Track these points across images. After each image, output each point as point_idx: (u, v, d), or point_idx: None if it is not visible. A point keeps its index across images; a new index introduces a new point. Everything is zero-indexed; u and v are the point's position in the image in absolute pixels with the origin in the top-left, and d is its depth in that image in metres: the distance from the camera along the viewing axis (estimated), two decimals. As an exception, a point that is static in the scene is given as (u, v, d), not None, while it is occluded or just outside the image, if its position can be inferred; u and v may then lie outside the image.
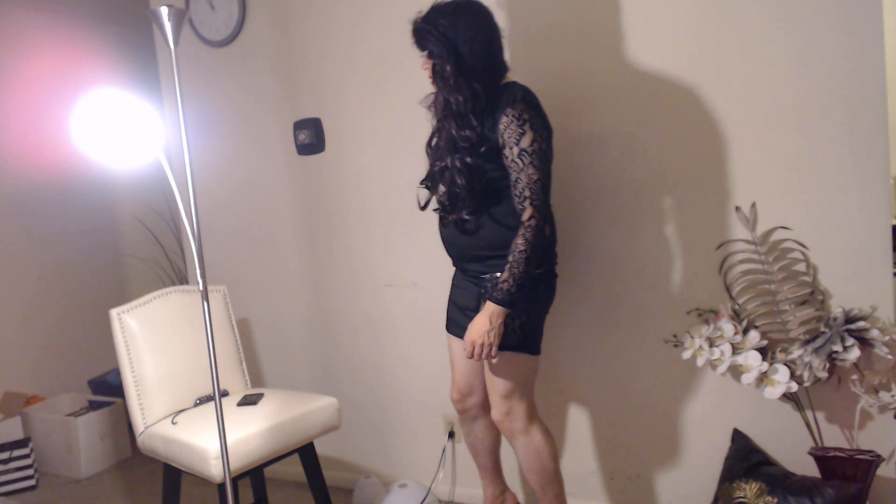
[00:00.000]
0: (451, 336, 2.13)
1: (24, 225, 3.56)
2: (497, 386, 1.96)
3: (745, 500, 1.90)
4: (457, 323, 2.07)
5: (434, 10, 1.85)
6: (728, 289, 2.05)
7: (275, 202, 2.89)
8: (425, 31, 1.83)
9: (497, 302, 1.83)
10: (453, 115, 1.85)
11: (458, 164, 1.86)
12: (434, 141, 1.98)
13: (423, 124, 2.10)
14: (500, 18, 2.30)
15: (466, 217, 1.90)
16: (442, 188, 1.94)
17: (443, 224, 2.02)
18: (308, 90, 2.73)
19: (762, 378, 1.91)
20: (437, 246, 2.09)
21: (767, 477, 1.92)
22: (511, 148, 1.80)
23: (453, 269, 2.11)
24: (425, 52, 1.87)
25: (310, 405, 2.22)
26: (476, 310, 1.91)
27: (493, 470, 2.27)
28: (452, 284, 2.12)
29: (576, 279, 2.33)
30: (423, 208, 2.05)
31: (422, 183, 2.05)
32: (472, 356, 1.86)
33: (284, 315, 2.95)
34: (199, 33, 2.89)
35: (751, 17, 1.99)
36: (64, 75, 3.61)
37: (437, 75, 1.85)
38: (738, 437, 2.08)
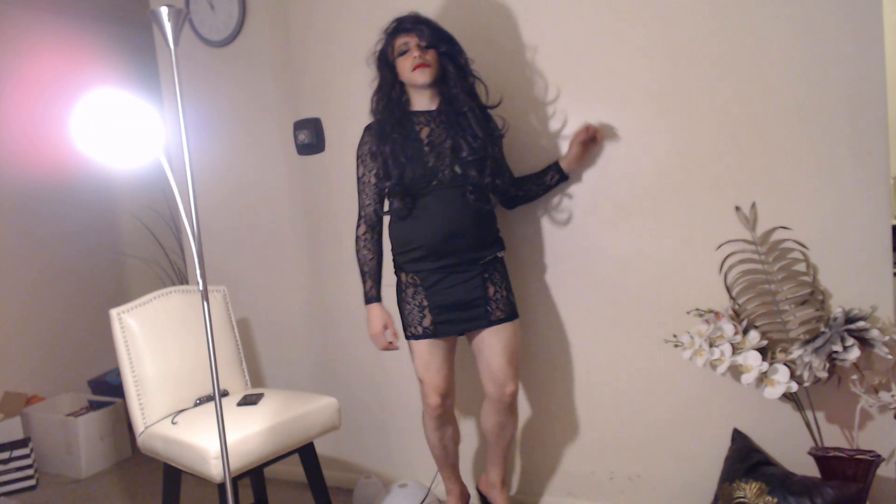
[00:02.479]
0: (435, 342, 2.10)
1: (23, 225, 3.56)
2: (512, 359, 2.10)
3: (745, 500, 1.90)
4: (458, 320, 2.08)
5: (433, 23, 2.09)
6: (728, 289, 2.05)
7: (275, 202, 2.89)
8: (438, 31, 2.05)
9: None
10: (475, 99, 2.08)
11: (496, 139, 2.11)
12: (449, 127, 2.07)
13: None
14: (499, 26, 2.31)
15: (515, 191, 2.21)
16: (472, 165, 2.03)
17: (454, 213, 2.03)
18: (308, 90, 2.73)
19: (762, 378, 1.91)
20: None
21: (767, 477, 1.91)
22: (499, 143, 2.13)
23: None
24: (424, 43, 2.01)
25: (310, 405, 2.22)
26: (484, 296, 2.06)
27: (457, 467, 2.33)
28: (432, 289, 2.07)
29: (575, 279, 2.33)
30: (387, 213, 2.15)
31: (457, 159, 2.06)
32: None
33: (284, 315, 2.95)
34: (199, 33, 2.89)
35: (751, 17, 1.99)
36: (64, 75, 3.61)
37: (453, 61, 2.05)
38: (738, 437, 2.08)
